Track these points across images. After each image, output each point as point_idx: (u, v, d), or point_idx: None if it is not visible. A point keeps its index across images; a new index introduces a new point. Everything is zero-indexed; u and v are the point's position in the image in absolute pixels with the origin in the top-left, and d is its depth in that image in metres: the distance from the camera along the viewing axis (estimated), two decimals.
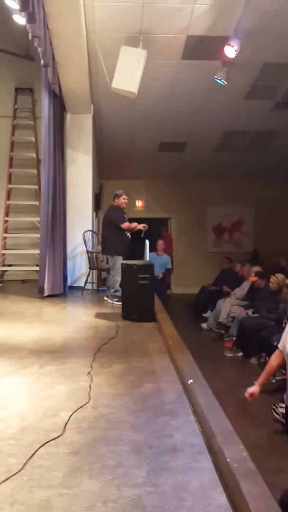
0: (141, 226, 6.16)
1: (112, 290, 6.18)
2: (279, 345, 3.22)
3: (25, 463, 2.09)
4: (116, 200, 6.29)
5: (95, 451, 2.23)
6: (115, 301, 6.05)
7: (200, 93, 7.19)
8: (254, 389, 3.32)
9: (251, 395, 3.32)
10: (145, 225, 6.19)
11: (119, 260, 6.06)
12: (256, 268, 7.73)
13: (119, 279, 6.03)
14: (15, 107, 8.27)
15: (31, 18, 4.12)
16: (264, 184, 11.72)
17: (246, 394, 3.34)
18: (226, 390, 5.28)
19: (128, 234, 6.14)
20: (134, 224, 6.17)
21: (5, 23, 6.36)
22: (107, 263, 6.43)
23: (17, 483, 1.94)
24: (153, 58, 5.78)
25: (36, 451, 2.20)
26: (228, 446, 2.15)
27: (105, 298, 6.27)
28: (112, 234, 6.17)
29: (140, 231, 6.18)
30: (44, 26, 4.64)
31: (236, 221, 12.43)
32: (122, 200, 6.26)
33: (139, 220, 6.45)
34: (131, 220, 6.32)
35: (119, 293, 6.05)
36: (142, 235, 6.20)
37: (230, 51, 5.43)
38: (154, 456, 2.19)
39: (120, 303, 5.96)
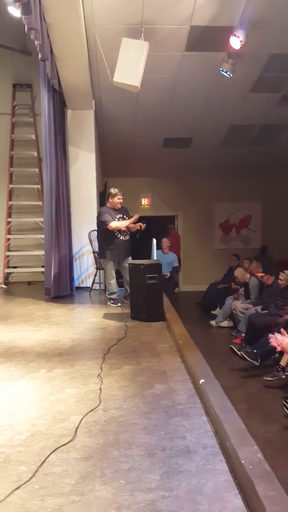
0: (137, 226, 5.87)
1: (107, 293, 6.11)
2: None
3: (36, 471, 2.05)
4: (110, 200, 5.99)
5: (107, 456, 2.19)
6: (111, 303, 5.99)
7: (205, 86, 7.08)
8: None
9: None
10: (141, 224, 5.90)
11: (108, 263, 5.95)
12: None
13: (112, 282, 5.96)
14: (13, 104, 8.14)
15: (26, 9, 4.01)
16: (272, 180, 11.61)
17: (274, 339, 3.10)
18: (236, 386, 5.25)
19: (121, 236, 5.88)
20: (125, 222, 5.83)
21: (1, 17, 6.26)
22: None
23: (28, 492, 1.90)
24: (156, 50, 5.69)
25: (47, 457, 2.17)
26: (242, 447, 2.12)
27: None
28: (100, 238, 6.06)
29: (137, 230, 5.98)
30: (40, 18, 4.52)
31: (243, 218, 12.33)
32: (117, 200, 5.95)
33: (145, 219, 6.29)
34: (140, 219, 6.14)
35: (114, 296, 5.99)
36: (138, 236, 6.01)
37: (236, 42, 5.33)
38: (167, 459, 2.15)
39: (117, 305, 5.92)
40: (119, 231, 5.89)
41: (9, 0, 5.14)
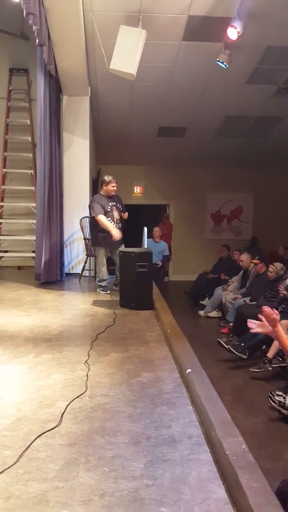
0: (117, 236, 5.75)
1: (97, 280, 6.12)
2: None
3: (21, 455, 2.06)
4: (104, 188, 5.99)
5: (92, 443, 2.20)
6: (101, 291, 5.99)
7: (201, 76, 7.04)
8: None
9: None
10: (120, 235, 5.79)
11: (100, 251, 5.97)
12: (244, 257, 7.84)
13: (103, 269, 5.97)
14: (9, 89, 8.07)
15: None
16: (264, 171, 11.62)
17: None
18: (222, 377, 5.30)
19: (113, 224, 5.85)
20: (108, 227, 5.74)
21: None
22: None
23: (12, 476, 1.91)
24: (153, 39, 5.63)
25: (32, 442, 2.17)
26: (227, 438, 2.13)
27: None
28: (92, 225, 6.05)
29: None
30: (39, 3, 4.51)
31: (235, 209, 12.34)
32: (110, 188, 5.93)
33: (137, 207, 6.29)
34: (130, 207, 6.12)
35: (104, 283, 5.99)
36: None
37: (233, 33, 5.30)
38: (152, 448, 2.17)
39: (106, 292, 5.93)
40: (112, 218, 5.88)
41: None
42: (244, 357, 5.53)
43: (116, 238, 5.77)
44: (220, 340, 5.89)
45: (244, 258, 7.88)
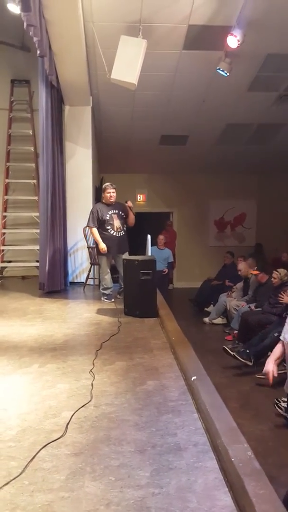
0: (104, 249, 5.82)
1: (101, 288, 6.13)
2: (281, 337, 3.13)
3: (26, 466, 2.05)
4: (103, 195, 6.10)
5: (97, 452, 2.19)
6: (105, 299, 6.00)
7: (202, 85, 7.08)
8: (271, 365, 2.90)
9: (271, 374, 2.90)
10: (104, 249, 5.85)
11: (102, 259, 6.00)
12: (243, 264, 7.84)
13: (107, 277, 5.99)
14: (11, 100, 8.17)
15: (25, 7, 4.04)
16: (267, 178, 11.65)
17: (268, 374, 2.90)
18: (228, 384, 5.27)
19: (113, 232, 5.91)
20: (96, 240, 5.87)
21: (0, 13, 6.28)
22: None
23: (17, 487, 1.90)
24: (154, 48, 5.68)
25: (37, 453, 2.17)
26: (232, 445, 2.12)
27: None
28: None
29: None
30: (39, 14, 4.55)
31: (238, 215, 12.36)
32: (107, 195, 5.99)
33: (141, 215, 6.32)
34: (136, 215, 6.17)
35: (108, 291, 6.00)
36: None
37: (233, 41, 5.33)
38: (157, 456, 2.16)
39: (110, 301, 5.93)
40: (111, 226, 5.91)
41: None
42: (250, 364, 5.50)
43: (103, 251, 5.86)
44: (225, 347, 5.87)
45: (242, 267, 7.88)
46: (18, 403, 2.79)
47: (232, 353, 5.64)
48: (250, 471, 1.90)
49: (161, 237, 9.11)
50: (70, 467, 2.06)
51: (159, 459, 2.13)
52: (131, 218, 6.10)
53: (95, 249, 6.34)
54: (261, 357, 5.59)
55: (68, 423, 2.47)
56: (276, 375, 2.93)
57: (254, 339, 5.81)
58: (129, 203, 6.12)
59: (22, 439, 2.32)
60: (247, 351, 5.57)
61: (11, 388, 3.04)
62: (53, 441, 2.28)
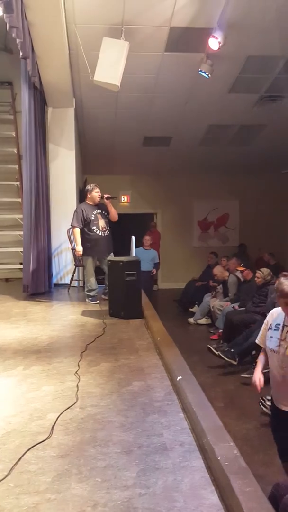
0: (80, 252, 5.87)
1: (85, 290, 6.12)
2: (257, 341, 3.18)
3: (11, 469, 2.04)
4: (89, 196, 6.07)
5: (83, 453, 2.19)
6: (90, 300, 5.99)
7: (184, 86, 7.13)
8: (258, 375, 3.06)
9: (257, 383, 3.05)
10: (80, 252, 5.89)
11: (87, 261, 6.00)
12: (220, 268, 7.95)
13: (91, 279, 5.99)
14: None
15: (8, 8, 4.04)
16: (249, 178, 11.76)
17: (254, 383, 3.07)
18: (213, 383, 5.31)
19: (99, 232, 5.91)
20: (76, 241, 5.91)
21: None
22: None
23: (3, 490, 1.88)
24: (136, 50, 5.71)
25: (23, 455, 2.15)
26: (218, 444, 2.13)
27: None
28: (80, 234, 6.07)
29: (107, 197, 6.01)
30: (22, 16, 4.55)
31: (221, 216, 12.46)
32: (95, 194, 6.00)
33: (125, 216, 6.32)
34: (120, 216, 6.18)
35: (93, 293, 5.99)
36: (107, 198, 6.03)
37: (214, 43, 5.38)
38: (144, 456, 2.16)
39: (95, 302, 5.92)
40: (97, 227, 5.90)
41: None
42: (234, 363, 5.55)
43: (78, 254, 5.90)
44: (209, 346, 5.91)
45: (217, 271, 8.00)
46: (2, 405, 2.76)
47: (216, 352, 5.69)
48: (236, 469, 1.92)
49: (147, 237, 9.12)
50: (56, 469, 2.05)
51: (146, 459, 2.13)
52: (112, 212, 6.07)
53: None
54: (245, 356, 5.65)
55: (53, 425, 2.46)
56: (262, 384, 3.02)
57: (238, 338, 5.86)
58: (105, 195, 6.05)
59: (7, 441, 2.30)
60: (232, 350, 5.62)
61: None
62: (38, 443, 2.26)
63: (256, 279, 6.55)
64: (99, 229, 5.93)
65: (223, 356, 5.58)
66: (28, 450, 2.20)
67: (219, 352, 5.65)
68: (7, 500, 1.81)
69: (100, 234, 5.93)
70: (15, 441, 2.31)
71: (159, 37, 5.80)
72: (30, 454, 2.16)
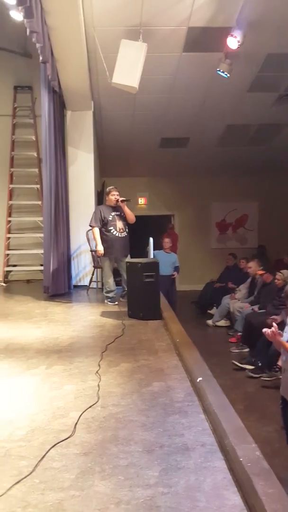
0: (101, 252, 5.90)
1: (104, 291, 6.16)
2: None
3: (36, 465, 2.07)
4: (107, 198, 6.18)
5: (106, 452, 2.21)
6: (108, 302, 6.02)
7: (202, 86, 7.11)
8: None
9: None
10: (101, 252, 5.91)
11: (105, 261, 6.04)
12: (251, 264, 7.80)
13: (110, 280, 6.02)
14: (14, 106, 8.25)
15: (28, 13, 4.10)
16: (268, 179, 11.64)
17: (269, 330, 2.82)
18: (233, 386, 5.26)
19: (116, 233, 5.94)
20: (96, 241, 5.96)
21: (2, 20, 6.40)
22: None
23: (28, 486, 1.92)
24: (154, 51, 5.72)
25: (47, 452, 2.19)
26: (240, 445, 2.12)
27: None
28: None
29: (122, 201, 6.03)
30: (42, 21, 4.61)
31: (240, 217, 12.35)
32: (111, 197, 6.08)
33: (142, 219, 6.35)
34: (137, 218, 6.22)
35: (111, 294, 6.02)
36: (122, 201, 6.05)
37: (233, 42, 5.36)
38: (165, 456, 2.17)
39: (114, 303, 5.95)
40: (114, 226, 5.94)
41: (11, 4, 5.24)
42: (266, 377, 5.40)
43: (100, 254, 5.91)
44: (234, 362, 5.76)
45: (252, 265, 7.84)
46: (26, 404, 2.81)
47: (245, 367, 5.55)
48: (259, 471, 1.91)
49: (166, 240, 8.93)
50: (80, 466, 2.07)
51: (167, 459, 2.14)
52: (128, 214, 6.09)
53: None
54: (273, 364, 5.53)
55: (76, 423, 2.49)
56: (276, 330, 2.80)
57: (259, 342, 5.78)
58: (120, 198, 6.08)
59: (32, 439, 2.34)
60: (259, 364, 5.51)
61: (19, 389, 3.06)
62: (62, 441, 2.30)
63: (276, 281, 6.49)
64: (116, 230, 5.98)
65: (253, 375, 5.45)
66: (52, 447, 2.23)
67: (251, 373, 5.47)
68: (32, 496, 1.85)
69: (117, 235, 5.98)
70: (39, 438, 2.34)
71: (177, 37, 5.80)
72: (54, 451, 2.20)
